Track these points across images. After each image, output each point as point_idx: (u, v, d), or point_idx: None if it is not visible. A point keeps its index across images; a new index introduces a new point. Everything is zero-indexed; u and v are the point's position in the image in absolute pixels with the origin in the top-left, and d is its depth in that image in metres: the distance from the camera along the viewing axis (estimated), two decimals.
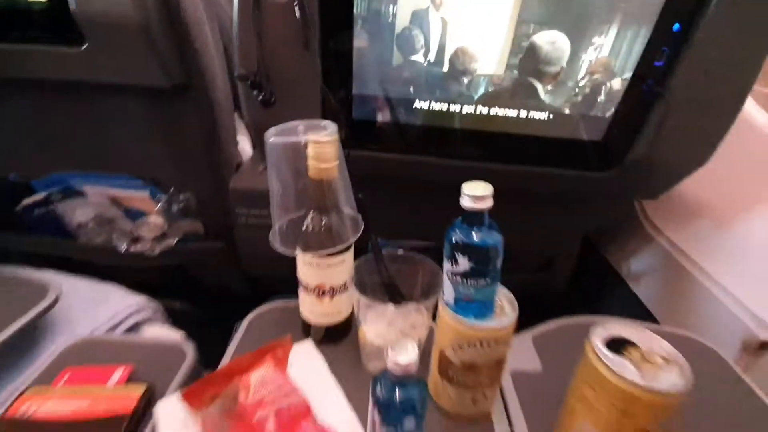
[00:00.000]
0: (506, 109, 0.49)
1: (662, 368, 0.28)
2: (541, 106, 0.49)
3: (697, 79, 0.45)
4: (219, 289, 0.93)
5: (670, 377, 0.27)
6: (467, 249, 0.29)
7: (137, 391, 0.37)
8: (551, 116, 0.50)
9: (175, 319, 0.70)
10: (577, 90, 0.48)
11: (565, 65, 0.46)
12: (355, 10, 0.43)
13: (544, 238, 0.79)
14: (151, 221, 0.81)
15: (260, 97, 0.44)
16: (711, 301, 0.61)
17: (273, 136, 0.35)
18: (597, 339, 0.30)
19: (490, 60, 0.46)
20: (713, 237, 0.68)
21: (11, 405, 0.36)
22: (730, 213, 0.67)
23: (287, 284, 0.54)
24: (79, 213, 0.80)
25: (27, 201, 0.77)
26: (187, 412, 0.34)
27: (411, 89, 0.48)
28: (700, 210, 0.70)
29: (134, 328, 0.58)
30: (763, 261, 0.58)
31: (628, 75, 0.46)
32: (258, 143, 0.55)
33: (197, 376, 0.43)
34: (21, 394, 0.38)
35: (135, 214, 0.80)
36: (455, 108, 0.49)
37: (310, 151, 0.35)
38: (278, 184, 0.38)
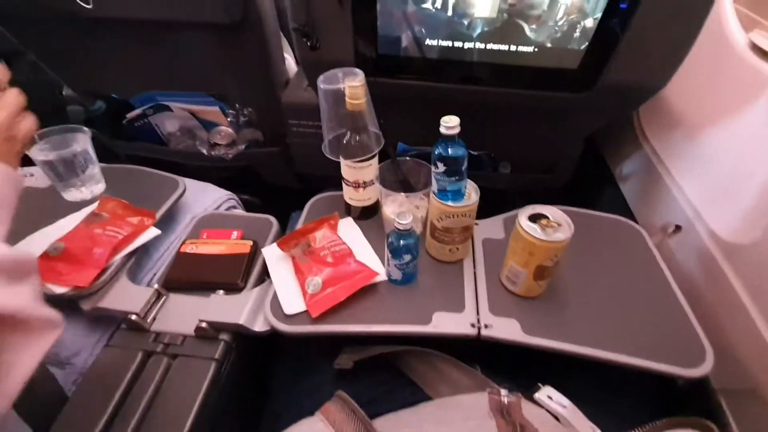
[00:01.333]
0: (499, 45, 0.62)
1: (556, 229, 0.48)
2: (527, 42, 0.61)
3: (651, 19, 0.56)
4: (276, 184, 1.17)
5: (558, 234, 0.47)
6: (442, 159, 0.48)
7: (249, 242, 0.62)
8: (536, 49, 0.62)
9: (246, 207, 0.95)
10: (556, 28, 0.60)
11: (546, 8, 0.58)
12: None
13: (545, 144, 0.93)
14: (223, 131, 1.01)
15: (308, 44, 0.60)
16: (670, 198, 0.75)
17: (322, 83, 0.53)
18: (522, 213, 0.49)
19: (485, 5, 0.58)
20: (686, 145, 0.80)
21: (180, 247, 0.63)
22: (705, 123, 0.78)
23: (326, 181, 0.75)
24: (168, 124, 1.02)
25: (129, 115, 0.99)
26: (281, 252, 0.59)
27: (423, 30, 0.62)
28: (682, 121, 0.81)
29: (227, 209, 0.83)
30: (721, 165, 0.71)
31: (598, 15, 0.57)
32: (305, 73, 0.71)
33: (278, 236, 0.67)
34: (183, 242, 0.64)
35: (210, 125, 1.01)
36: (458, 44, 0.63)
37: (347, 92, 0.52)
38: (326, 113, 0.57)
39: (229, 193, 0.87)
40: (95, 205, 0.66)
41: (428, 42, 0.63)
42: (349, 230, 0.63)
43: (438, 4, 0.59)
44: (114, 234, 0.60)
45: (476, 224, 0.65)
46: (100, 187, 0.72)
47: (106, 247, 0.58)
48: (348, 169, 0.60)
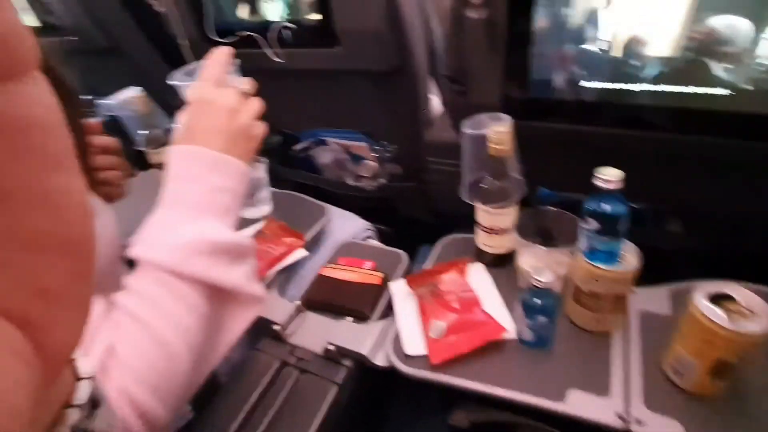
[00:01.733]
0: (680, 87, 0.54)
1: (748, 318, 0.37)
2: (718, 83, 0.52)
3: None
4: (411, 217, 1.21)
5: (750, 325, 0.37)
6: (595, 215, 0.42)
7: (380, 275, 0.65)
8: (732, 93, 0.52)
9: (380, 236, 0.99)
10: (761, 68, 0.49)
11: (744, 45, 0.48)
12: (533, 15, 0.54)
13: (733, 201, 0.77)
14: (369, 164, 1.10)
15: (458, 90, 0.61)
16: None
17: (467, 128, 0.53)
18: (700, 290, 0.40)
19: (664, 44, 0.51)
20: None
21: (320, 270, 0.69)
22: None
23: (461, 218, 0.73)
24: (323, 156, 1.16)
25: (296, 147, 1.16)
26: (408, 289, 0.59)
27: (584, 72, 0.57)
28: None
29: (364, 240, 0.88)
30: None
31: None
32: (450, 116, 0.72)
33: (407, 272, 0.68)
34: (323, 266, 0.70)
35: (358, 159, 1.11)
36: (627, 87, 0.56)
37: (491, 136, 0.51)
38: (468, 156, 0.56)
39: (368, 223, 0.92)
40: (263, 223, 0.77)
41: (587, 84, 0.58)
42: (479, 277, 0.61)
43: (603, 45, 0.54)
44: (271, 250, 0.69)
45: (633, 292, 0.56)
46: (267, 209, 0.85)
47: (265, 261, 0.67)
48: (484, 213, 0.59)
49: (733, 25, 0.47)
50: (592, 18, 0.52)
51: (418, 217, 1.16)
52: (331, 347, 0.57)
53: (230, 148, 0.44)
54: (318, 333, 0.60)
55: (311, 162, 1.19)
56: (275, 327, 0.61)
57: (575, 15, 0.53)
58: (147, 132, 0.97)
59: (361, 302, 0.62)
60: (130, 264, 0.41)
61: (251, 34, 0.86)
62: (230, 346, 0.42)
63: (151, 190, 0.46)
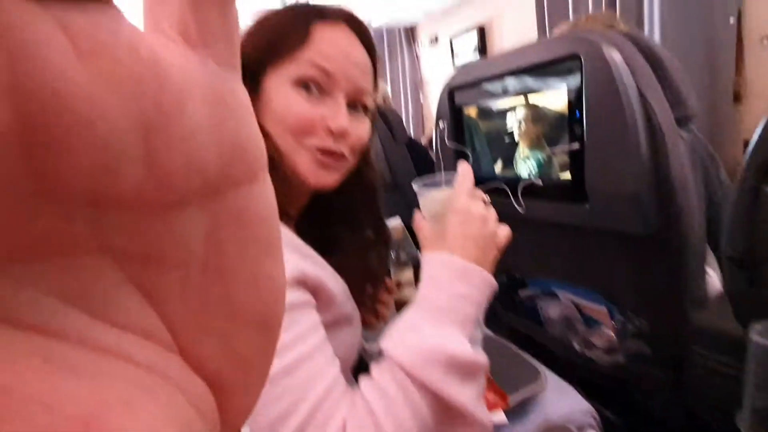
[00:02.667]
0: None
1: None
2: None
3: None
4: (653, 413, 0.91)
5: None
6: None
7: None
8: None
9: (605, 428, 0.77)
10: None
11: None
12: None
13: None
14: (605, 333, 0.93)
15: (746, 278, 0.47)
16: None
17: (759, 335, 0.38)
18: None
19: None
20: None
21: None
22: None
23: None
24: (551, 309, 1.06)
25: (523, 293, 1.11)
26: None
27: None
28: None
29: (581, 427, 0.71)
30: None
31: None
32: (733, 309, 0.54)
33: None
34: None
35: (591, 322, 0.96)
36: None
37: None
38: (759, 372, 0.40)
39: (591, 408, 0.75)
40: None
41: None
42: None
43: None
44: None
45: None
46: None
47: None
48: None
49: None
50: None
51: (663, 416, 0.87)
52: None
53: (480, 255, 0.47)
54: None
55: (536, 312, 1.11)
56: None
57: None
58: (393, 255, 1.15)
59: None
60: None
61: (501, 186, 0.94)
62: None
63: None
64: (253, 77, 0.46)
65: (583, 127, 0.74)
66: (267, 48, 0.46)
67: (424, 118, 3.81)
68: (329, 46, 0.46)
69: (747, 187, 0.45)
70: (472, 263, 0.46)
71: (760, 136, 0.42)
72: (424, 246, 0.51)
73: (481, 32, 3.10)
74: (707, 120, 1.59)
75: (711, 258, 0.85)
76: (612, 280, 0.85)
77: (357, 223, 0.59)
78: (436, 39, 3.58)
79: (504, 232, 0.51)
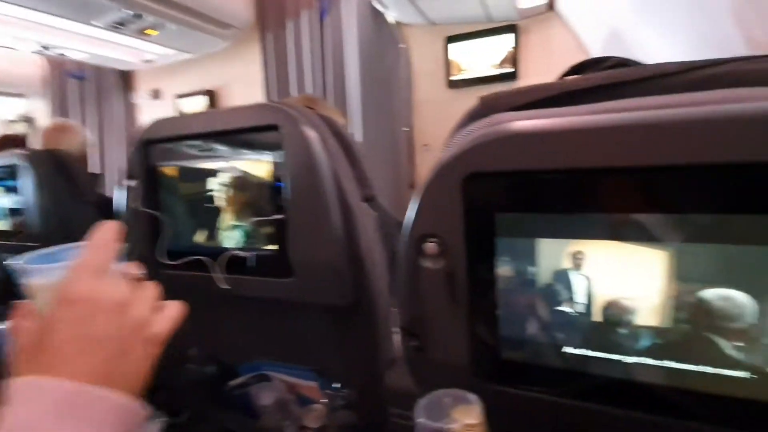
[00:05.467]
0: (683, 363, 0.43)
1: None
2: (732, 364, 0.41)
3: None
4: None
5: None
6: None
7: None
8: (753, 376, 0.41)
9: None
10: None
11: (754, 321, 0.40)
12: (497, 271, 0.48)
13: None
14: (317, 410, 0.89)
15: (415, 346, 0.50)
16: None
17: (423, 416, 0.39)
18: None
19: (650, 313, 0.43)
20: None
21: None
22: None
23: None
24: (264, 396, 0.95)
25: (233, 382, 0.96)
26: None
27: (560, 336, 0.48)
28: None
29: None
30: None
31: None
32: (409, 371, 0.59)
33: None
34: None
35: (306, 401, 0.91)
36: (615, 357, 0.46)
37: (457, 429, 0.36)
38: None
39: None
40: None
41: (568, 350, 0.48)
42: None
43: (580, 308, 0.46)
44: None
45: None
46: None
47: None
48: None
49: (729, 297, 0.40)
50: (562, 278, 0.46)
51: None
52: None
53: (111, 365, 0.31)
54: None
55: (249, 402, 0.97)
56: None
57: (543, 273, 0.47)
58: None
59: None
60: None
61: (201, 258, 0.80)
62: None
63: None
64: None
65: (286, 198, 0.72)
66: None
67: None
68: None
69: (409, 263, 0.49)
70: (89, 384, 0.29)
71: (416, 215, 0.47)
72: (19, 365, 0.31)
73: (211, 96, 3.03)
74: (393, 201, 2.05)
75: (396, 317, 0.96)
76: (321, 354, 0.84)
77: None
78: (158, 93, 3.26)
79: (170, 312, 0.37)
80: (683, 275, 0.41)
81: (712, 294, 0.40)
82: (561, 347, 0.48)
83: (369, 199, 0.89)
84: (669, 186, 0.41)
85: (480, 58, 2.36)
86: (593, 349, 0.46)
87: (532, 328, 0.49)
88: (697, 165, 0.37)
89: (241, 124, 0.77)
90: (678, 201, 0.41)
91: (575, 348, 0.47)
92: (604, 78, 0.47)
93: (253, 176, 0.77)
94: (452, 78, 2.41)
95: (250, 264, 0.76)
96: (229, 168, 0.80)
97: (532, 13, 2.22)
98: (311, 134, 0.71)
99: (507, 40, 2.30)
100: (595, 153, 0.39)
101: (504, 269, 0.48)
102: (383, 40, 2.45)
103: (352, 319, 0.77)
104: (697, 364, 0.43)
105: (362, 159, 0.90)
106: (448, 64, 2.41)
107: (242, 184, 0.78)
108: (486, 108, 0.52)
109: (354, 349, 0.81)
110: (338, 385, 0.85)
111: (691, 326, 0.42)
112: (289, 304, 0.79)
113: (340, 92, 2.41)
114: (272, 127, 0.73)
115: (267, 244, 0.76)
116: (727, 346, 0.41)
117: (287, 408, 0.93)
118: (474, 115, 0.53)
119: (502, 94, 0.54)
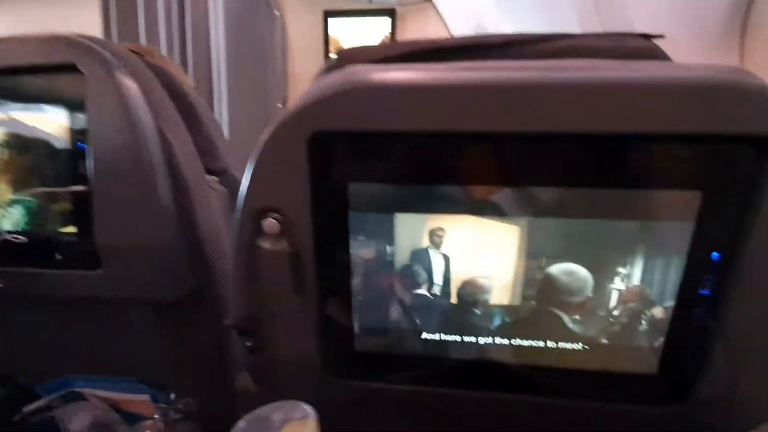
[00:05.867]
0: (530, 341, 0.43)
1: None
2: (570, 337, 0.42)
3: (753, 313, 0.38)
4: None
5: None
6: None
7: None
8: (586, 347, 0.42)
9: None
10: (611, 320, 0.41)
11: (590, 294, 0.41)
12: (351, 251, 0.41)
13: None
14: (150, 427, 0.74)
15: (248, 344, 0.41)
16: None
17: None
18: None
19: (503, 291, 0.42)
20: None
21: None
22: None
23: None
24: (76, 419, 0.75)
25: (27, 408, 0.73)
26: None
27: (418, 321, 0.44)
28: None
29: None
30: None
31: (670, 303, 0.40)
32: (251, 376, 0.49)
33: None
34: None
35: (134, 419, 0.74)
36: (469, 339, 0.44)
37: None
38: None
39: None
40: None
41: (426, 336, 0.44)
42: None
43: (437, 290, 0.42)
44: None
45: None
46: None
47: None
48: None
49: (572, 272, 0.40)
50: (422, 258, 0.41)
51: None
52: None
53: None
54: None
55: (55, 430, 0.76)
56: None
57: (402, 253, 0.42)
58: None
59: None
60: None
61: None
62: None
63: None
64: None
65: (90, 164, 0.55)
66: None
67: None
68: None
69: (242, 244, 0.39)
70: None
71: (250, 184, 0.37)
72: None
73: None
74: None
75: None
76: (149, 360, 0.68)
77: None
78: None
79: None
80: (533, 251, 0.40)
81: (557, 269, 0.40)
82: (419, 333, 0.44)
83: (218, 173, 0.75)
84: (522, 156, 0.39)
85: (359, 37, 2.30)
86: (451, 333, 0.43)
87: (389, 316, 0.44)
88: (552, 134, 0.35)
89: (26, 61, 0.56)
90: (529, 173, 0.39)
91: (433, 333, 0.44)
92: (472, 39, 0.44)
93: (42, 133, 0.57)
94: (332, 55, 2.31)
95: (38, 252, 0.57)
96: (5, 120, 0.58)
97: (410, 1, 2.25)
98: (128, 83, 0.55)
99: (385, 24, 2.29)
100: (456, 114, 0.35)
101: (358, 249, 0.41)
102: (254, 3, 2.22)
103: (190, 315, 0.63)
104: (543, 340, 0.42)
105: (213, 127, 0.76)
106: (327, 40, 2.30)
107: (24, 143, 0.57)
108: (343, 62, 0.44)
109: (194, 351, 0.67)
110: (175, 395, 0.71)
111: (538, 303, 0.41)
112: (103, 302, 0.62)
113: (203, 59, 2.10)
114: (70, 68, 0.54)
115: (63, 226, 0.57)
116: (569, 321, 0.42)
117: (112, 429, 0.75)
118: (329, 70, 0.45)
119: (363, 48, 0.47)
